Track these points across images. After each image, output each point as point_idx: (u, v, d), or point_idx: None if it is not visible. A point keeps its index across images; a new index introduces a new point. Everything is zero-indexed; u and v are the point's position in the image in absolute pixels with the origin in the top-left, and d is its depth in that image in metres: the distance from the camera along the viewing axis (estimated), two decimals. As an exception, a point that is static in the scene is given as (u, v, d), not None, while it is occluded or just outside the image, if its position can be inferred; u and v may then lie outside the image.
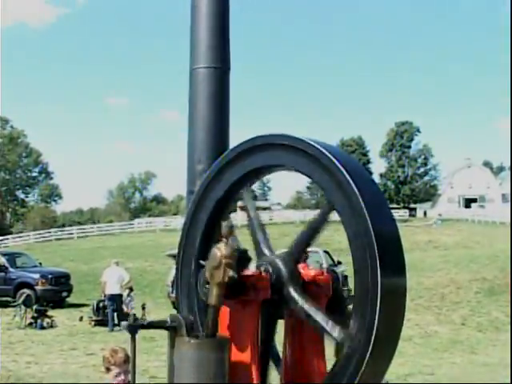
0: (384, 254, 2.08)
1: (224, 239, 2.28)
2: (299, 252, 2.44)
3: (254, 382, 2.26)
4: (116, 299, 22.69)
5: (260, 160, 2.38)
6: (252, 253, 2.46)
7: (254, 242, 2.54)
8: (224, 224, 2.58)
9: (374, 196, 2.21)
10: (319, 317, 2.29)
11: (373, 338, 2.05)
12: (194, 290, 2.63)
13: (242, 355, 2.27)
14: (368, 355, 2.05)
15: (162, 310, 22.75)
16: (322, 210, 2.37)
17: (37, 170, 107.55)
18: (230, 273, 2.20)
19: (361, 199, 2.10)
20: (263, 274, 2.31)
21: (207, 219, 2.56)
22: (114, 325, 22.20)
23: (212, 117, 2.77)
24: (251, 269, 2.33)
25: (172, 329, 2.27)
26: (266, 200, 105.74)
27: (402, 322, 2.22)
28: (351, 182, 2.12)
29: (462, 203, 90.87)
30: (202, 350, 2.16)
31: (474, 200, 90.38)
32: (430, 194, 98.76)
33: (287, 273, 2.37)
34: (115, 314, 22.63)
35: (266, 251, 2.48)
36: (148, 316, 20.09)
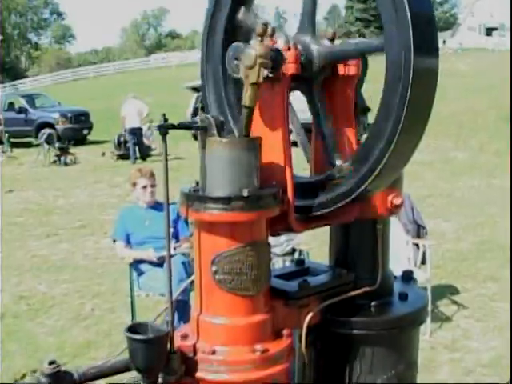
0: (417, 29, 2.01)
1: (258, 37, 2.18)
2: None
3: (288, 179, 2.27)
4: (136, 132, 22.82)
5: None
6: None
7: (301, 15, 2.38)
8: (259, 21, 2.48)
9: None
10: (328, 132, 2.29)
11: (405, 106, 2.04)
12: (221, 81, 2.62)
13: (273, 144, 2.27)
14: (402, 121, 2.04)
15: (182, 141, 22.93)
16: None
17: (47, 11, 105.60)
18: (265, 72, 2.12)
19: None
20: (292, 47, 2.24)
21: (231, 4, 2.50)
22: (136, 158, 22.54)
23: None
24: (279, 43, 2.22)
25: (202, 129, 2.21)
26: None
27: (432, 102, 2.19)
28: None
29: (482, 32, 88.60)
30: (234, 148, 2.14)
31: (495, 29, 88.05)
32: (449, 23, 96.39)
33: (318, 62, 2.30)
34: (136, 147, 22.90)
35: (307, 29, 2.35)
36: (169, 148, 20.26)
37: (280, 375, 2.22)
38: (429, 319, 7.17)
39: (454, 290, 8.78)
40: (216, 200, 2.07)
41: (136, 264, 6.87)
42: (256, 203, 2.09)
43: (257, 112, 2.28)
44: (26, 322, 8.06)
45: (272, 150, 2.28)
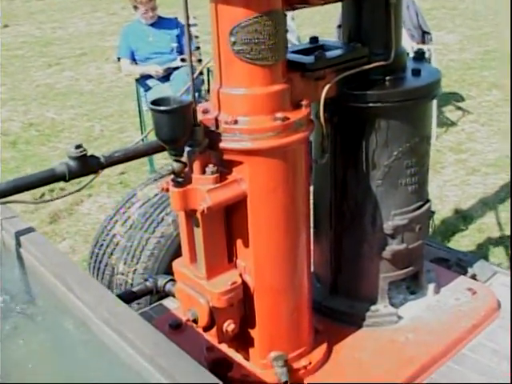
0: None
1: None
2: None
3: None
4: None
5: None
6: None
7: None
8: None
9: None
10: None
11: None
12: None
13: None
14: None
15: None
16: None
17: None
18: None
19: None
20: None
21: None
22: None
23: None
24: None
25: None
26: None
27: None
28: None
29: None
30: None
31: None
32: None
33: None
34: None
35: None
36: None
37: (300, 143, 2.30)
38: (434, 123, 7.25)
39: (458, 98, 8.81)
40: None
41: (142, 80, 6.87)
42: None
43: None
44: (38, 147, 8.18)
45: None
